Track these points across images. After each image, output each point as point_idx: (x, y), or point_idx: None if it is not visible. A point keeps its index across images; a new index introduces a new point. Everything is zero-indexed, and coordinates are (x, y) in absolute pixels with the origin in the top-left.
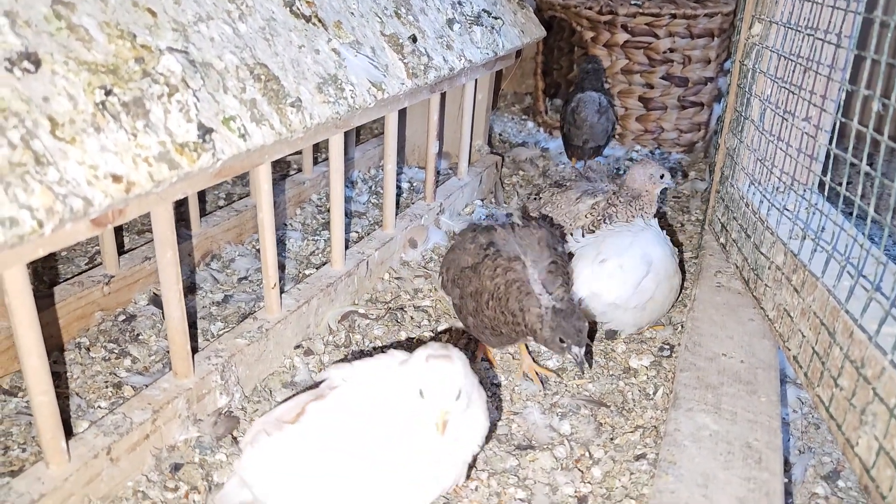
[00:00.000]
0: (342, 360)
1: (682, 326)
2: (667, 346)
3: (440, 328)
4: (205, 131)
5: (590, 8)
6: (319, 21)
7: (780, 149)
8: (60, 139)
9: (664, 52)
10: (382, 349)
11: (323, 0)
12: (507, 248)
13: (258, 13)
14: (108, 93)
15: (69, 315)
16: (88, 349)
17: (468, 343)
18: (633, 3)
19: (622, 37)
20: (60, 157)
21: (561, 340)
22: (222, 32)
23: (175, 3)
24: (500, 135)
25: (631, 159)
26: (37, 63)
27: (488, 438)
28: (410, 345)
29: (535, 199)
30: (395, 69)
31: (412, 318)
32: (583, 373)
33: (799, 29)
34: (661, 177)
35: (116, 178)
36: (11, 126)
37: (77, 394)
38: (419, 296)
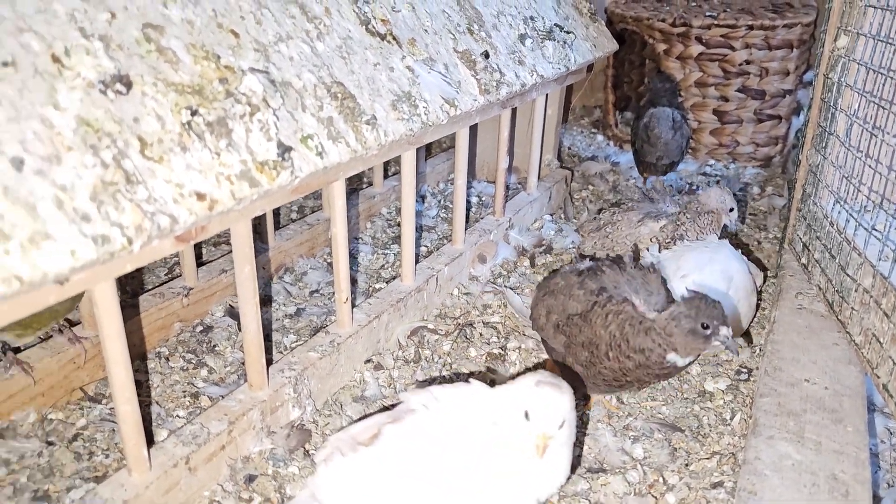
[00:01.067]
0: (420, 385)
1: (760, 349)
2: (744, 370)
3: (509, 345)
4: (284, 150)
5: (663, 20)
6: (394, 38)
7: (869, 166)
8: (149, 158)
9: (740, 65)
10: (460, 376)
11: (397, 18)
12: (617, 291)
13: (335, 32)
14: (193, 113)
15: (151, 325)
16: (168, 359)
17: (535, 366)
18: (707, 14)
19: (696, 49)
20: (149, 176)
21: (704, 326)
22: (301, 52)
23: (257, 24)
24: (569, 148)
25: (704, 174)
26: (128, 85)
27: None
28: (469, 373)
29: (594, 219)
30: (468, 85)
31: (481, 334)
32: (738, 354)
33: (890, 41)
34: (731, 210)
35: (200, 196)
36: (104, 146)
37: (157, 402)
38: (488, 312)
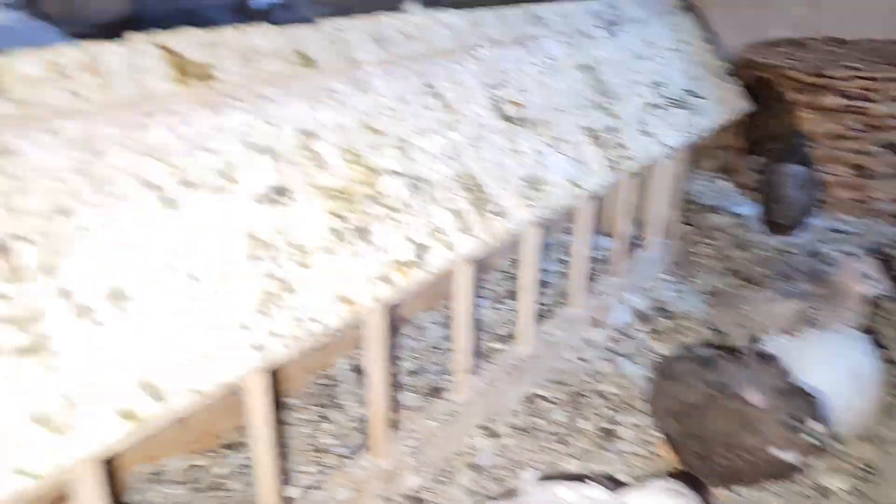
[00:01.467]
0: (542, 478)
1: (894, 447)
2: (871, 470)
3: (622, 419)
4: (419, 248)
5: (798, 69)
6: (523, 120)
7: None
8: (303, 266)
9: (881, 118)
10: (579, 477)
11: (527, 98)
12: (735, 383)
13: (468, 119)
14: (341, 218)
15: (282, 376)
16: (296, 411)
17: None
18: (846, 64)
19: (833, 100)
20: (302, 285)
21: (794, 418)
22: (436, 143)
23: (398, 120)
24: (690, 196)
25: (836, 230)
26: (286, 194)
27: None
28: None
29: (728, 293)
30: (594, 164)
31: (594, 405)
32: (827, 450)
33: None
34: (874, 280)
35: (346, 301)
36: (266, 257)
37: (285, 456)
38: (601, 379)
